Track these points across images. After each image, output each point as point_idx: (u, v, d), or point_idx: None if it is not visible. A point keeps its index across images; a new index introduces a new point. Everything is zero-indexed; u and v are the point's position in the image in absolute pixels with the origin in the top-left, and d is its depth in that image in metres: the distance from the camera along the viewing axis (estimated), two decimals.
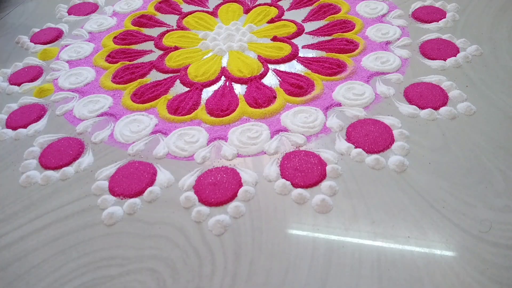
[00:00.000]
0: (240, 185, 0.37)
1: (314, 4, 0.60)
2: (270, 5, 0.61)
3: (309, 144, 0.40)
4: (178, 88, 0.49)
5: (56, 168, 0.41)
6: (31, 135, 0.45)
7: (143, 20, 0.61)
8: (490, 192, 0.34)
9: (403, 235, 0.32)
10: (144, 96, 0.48)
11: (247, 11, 0.61)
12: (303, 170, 0.37)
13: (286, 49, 0.52)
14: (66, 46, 0.58)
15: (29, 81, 0.53)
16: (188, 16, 0.61)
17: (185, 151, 0.40)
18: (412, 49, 0.50)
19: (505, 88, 0.43)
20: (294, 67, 0.50)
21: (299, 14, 0.59)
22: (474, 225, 0.32)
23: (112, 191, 0.38)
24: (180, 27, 0.59)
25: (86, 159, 0.41)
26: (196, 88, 0.48)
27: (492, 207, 0.33)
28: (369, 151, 0.38)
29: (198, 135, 0.42)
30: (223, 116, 0.44)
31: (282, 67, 0.50)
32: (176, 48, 0.55)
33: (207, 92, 0.48)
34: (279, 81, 0.48)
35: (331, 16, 0.57)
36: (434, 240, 0.31)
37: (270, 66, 0.50)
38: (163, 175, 0.38)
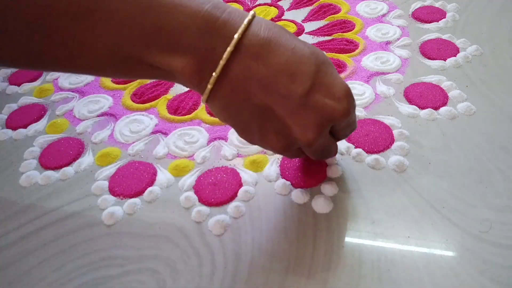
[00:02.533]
0: (240, 185, 0.37)
1: (314, 4, 0.60)
2: (270, 5, 0.61)
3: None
4: (178, 88, 0.49)
5: (56, 168, 0.41)
6: (31, 135, 0.45)
7: None
8: (490, 192, 0.34)
9: (403, 235, 0.32)
10: (144, 96, 0.48)
11: (247, 11, 0.60)
12: (303, 170, 0.37)
13: None
14: None
15: (29, 81, 0.53)
16: None
17: (185, 151, 0.41)
18: (412, 49, 0.50)
19: (505, 88, 0.43)
20: None
21: (299, 14, 0.59)
22: (474, 225, 0.32)
23: (112, 191, 0.38)
24: None
25: (86, 159, 0.41)
26: None
27: (492, 207, 0.33)
28: (369, 151, 0.38)
29: (198, 135, 0.42)
30: None
31: None
32: None
33: None
34: None
35: (331, 16, 0.57)
36: (434, 240, 0.31)
37: None
38: (163, 175, 0.38)
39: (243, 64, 0.25)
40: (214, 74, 0.25)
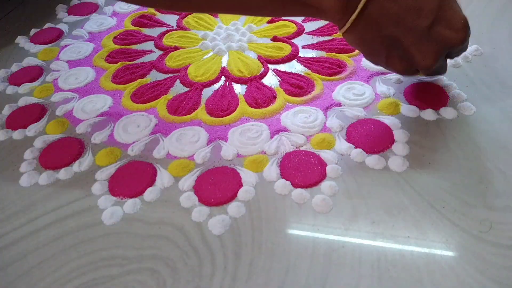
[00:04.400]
0: (240, 185, 0.37)
1: None
2: None
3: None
4: (178, 88, 0.49)
5: (56, 168, 0.41)
6: (31, 135, 0.45)
7: (143, 20, 0.61)
8: (490, 192, 0.34)
9: (403, 235, 0.32)
10: (144, 96, 0.48)
11: None
12: (303, 170, 0.37)
13: (286, 49, 0.52)
14: (66, 46, 0.58)
15: (29, 81, 0.53)
16: (188, 16, 0.61)
17: (185, 151, 0.40)
18: None
19: (505, 88, 0.43)
20: (294, 67, 0.50)
21: None
22: (474, 225, 0.32)
23: (112, 191, 0.38)
24: (180, 27, 0.59)
25: (86, 159, 0.41)
26: (196, 88, 0.48)
27: (492, 207, 0.33)
28: (369, 151, 0.38)
29: (198, 135, 0.42)
30: (223, 116, 0.44)
31: (282, 67, 0.50)
32: (176, 48, 0.55)
33: (207, 92, 0.48)
34: (279, 81, 0.48)
35: None
36: (434, 240, 0.31)
37: (270, 66, 0.51)
38: (163, 175, 0.38)
39: (378, 3, 0.30)
40: (355, 13, 0.31)
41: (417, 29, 0.30)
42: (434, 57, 0.32)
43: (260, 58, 0.52)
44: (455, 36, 0.31)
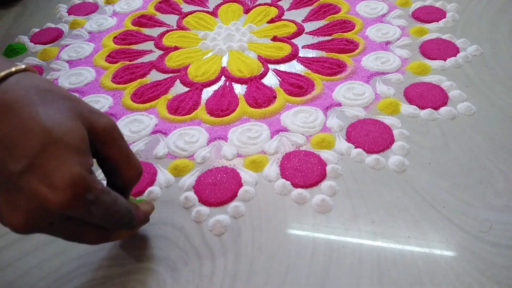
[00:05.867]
0: (240, 185, 0.37)
1: (314, 4, 0.60)
2: (270, 5, 0.61)
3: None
4: (178, 88, 0.49)
5: None
6: None
7: (143, 20, 0.61)
8: (490, 192, 0.34)
9: (403, 235, 0.32)
10: (144, 96, 0.48)
11: (247, 11, 0.61)
12: (303, 170, 0.37)
13: (286, 49, 0.52)
14: (66, 46, 0.58)
15: None
16: (188, 16, 0.61)
17: (185, 151, 0.41)
18: (412, 49, 0.50)
19: (505, 88, 0.43)
20: (294, 67, 0.50)
21: (299, 14, 0.59)
22: (474, 225, 0.32)
23: None
24: (180, 27, 0.59)
25: None
26: (196, 88, 0.48)
27: (492, 207, 0.33)
28: (369, 151, 0.38)
29: (198, 135, 0.42)
30: (223, 116, 0.44)
31: (282, 67, 0.50)
32: (176, 48, 0.55)
33: (207, 92, 0.48)
34: (279, 81, 0.48)
35: (331, 16, 0.57)
36: (434, 240, 0.31)
37: (270, 66, 0.51)
38: (163, 175, 0.38)
39: None
40: None
41: (3, 173, 0.22)
42: (25, 216, 0.22)
43: (260, 58, 0.52)
44: (51, 197, 0.22)
